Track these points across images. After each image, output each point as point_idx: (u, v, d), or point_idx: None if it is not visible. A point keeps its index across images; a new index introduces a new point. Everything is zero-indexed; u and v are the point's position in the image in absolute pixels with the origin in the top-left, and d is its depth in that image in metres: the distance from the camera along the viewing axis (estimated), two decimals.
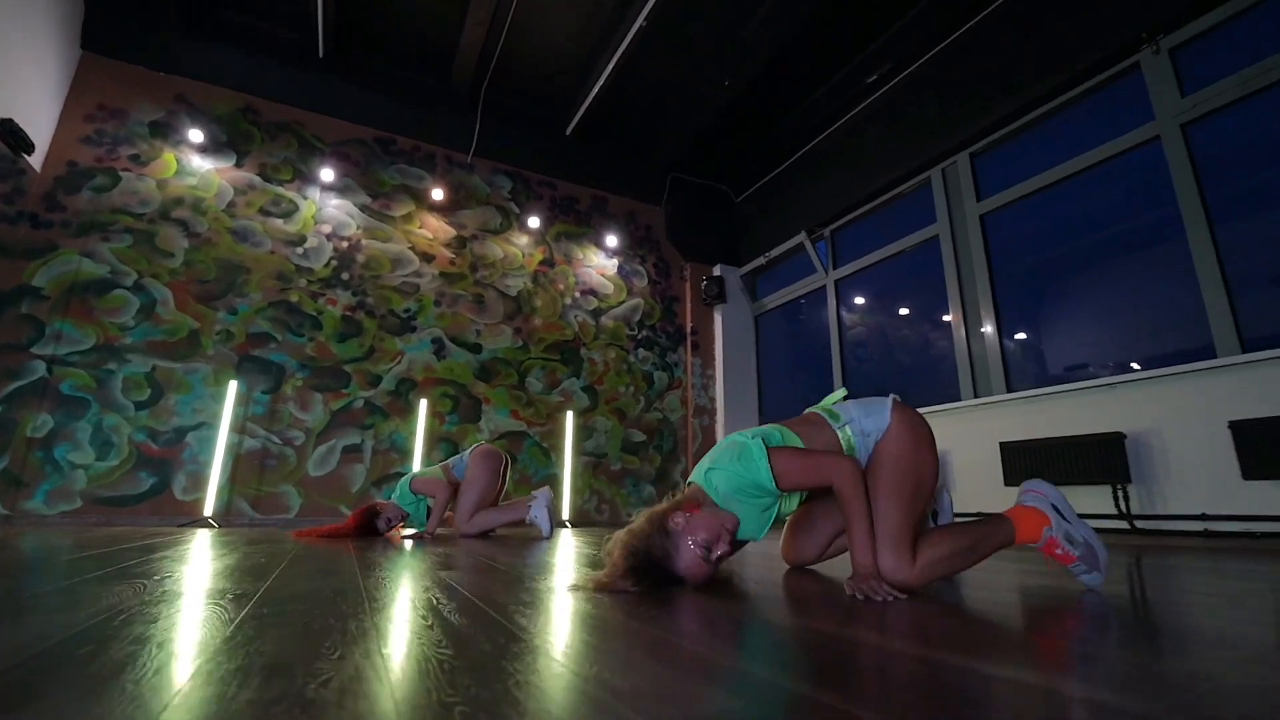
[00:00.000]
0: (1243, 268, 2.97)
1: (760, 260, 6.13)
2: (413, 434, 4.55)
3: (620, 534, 1.34)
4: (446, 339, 4.93)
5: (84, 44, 4.22)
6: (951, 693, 0.61)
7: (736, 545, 1.44)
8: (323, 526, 3.01)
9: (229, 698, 0.54)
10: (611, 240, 5.89)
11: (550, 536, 3.18)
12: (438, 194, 5.14)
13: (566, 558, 2.09)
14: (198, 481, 3.90)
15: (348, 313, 4.63)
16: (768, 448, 1.38)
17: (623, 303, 5.84)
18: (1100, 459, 3.13)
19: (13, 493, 3.50)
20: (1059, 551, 1.35)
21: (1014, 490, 3.39)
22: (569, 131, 5.64)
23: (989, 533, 1.37)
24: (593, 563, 1.87)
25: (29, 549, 1.94)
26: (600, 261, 5.84)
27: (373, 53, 5.06)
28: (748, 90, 4.93)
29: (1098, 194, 3.69)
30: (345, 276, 4.69)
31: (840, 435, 1.45)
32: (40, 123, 3.84)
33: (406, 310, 4.84)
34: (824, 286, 5.58)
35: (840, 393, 1.62)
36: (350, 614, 0.97)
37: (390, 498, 3.34)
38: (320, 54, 4.71)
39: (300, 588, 1.25)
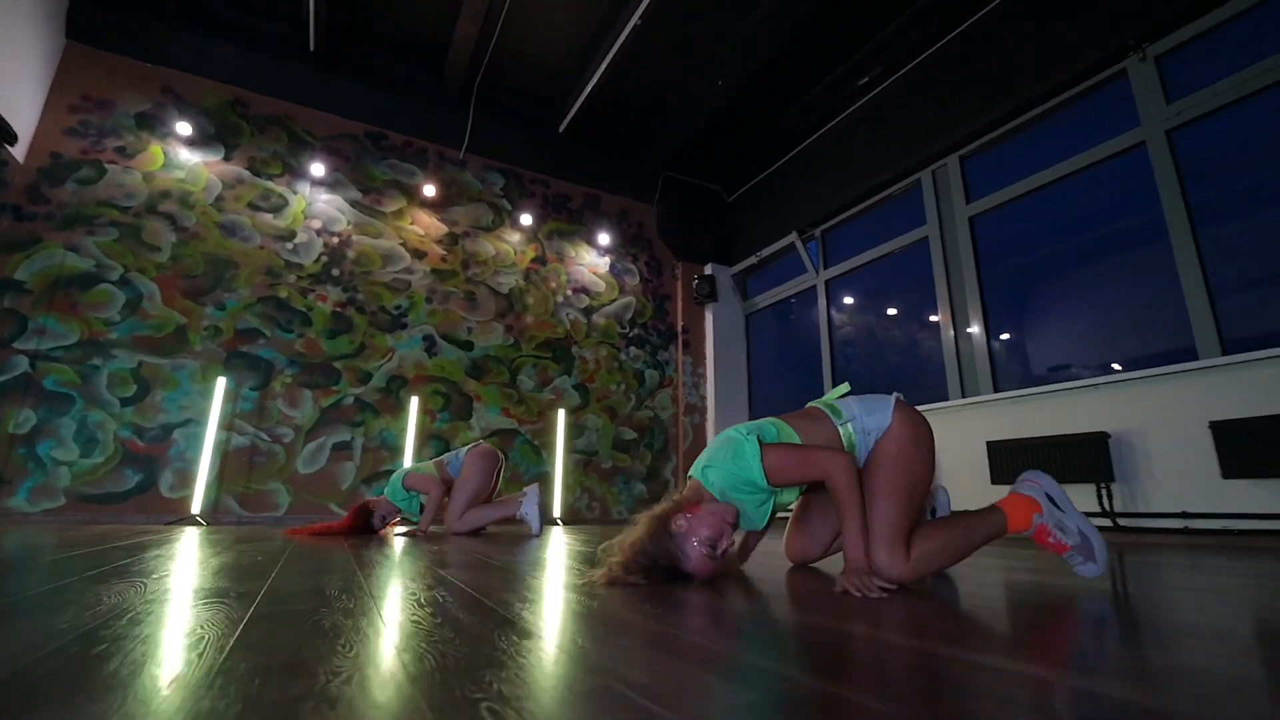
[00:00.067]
0: (1224, 271, 3.04)
1: (751, 260, 6.16)
2: (403, 431, 4.53)
3: (624, 539, 1.35)
4: (438, 336, 4.91)
5: (69, 33, 4.13)
6: (947, 682, 0.63)
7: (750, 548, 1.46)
8: (316, 525, 2.99)
9: (252, 698, 0.55)
10: (603, 238, 5.89)
11: (539, 534, 3.18)
12: (429, 190, 5.11)
13: (558, 555, 2.10)
14: (185, 479, 3.86)
15: (338, 309, 4.59)
16: (762, 444, 1.40)
17: (614, 301, 5.84)
18: (1085, 458, 3.19)
19: None
20: (1051, 540, 1.38)
21: (1001, 489, 3.45)
22: (562, 129, 5.62)
23: (978, 522, 1.40)
24: (587, 560, 1.88)
25: (12, 548, 1.91)
26: (592, 259, 5.84)
27: (365, 47, 5.01)
28: (741, 90, 4.94)
29: (1084, 197, 3.75)
30: (335, 272, 4.65)
31: (841, 431, 1.47)
32: (23, 113, 3.77)
33: (397, 307, 4.81)
34: (814, 286, 5.62)
35: (844, 387, 1.63)
36: (358, 611, 0.97)
37: (382, 493, 3.33)
38: (311, 47, 4.65)
39: (302, 586, 1.25)
